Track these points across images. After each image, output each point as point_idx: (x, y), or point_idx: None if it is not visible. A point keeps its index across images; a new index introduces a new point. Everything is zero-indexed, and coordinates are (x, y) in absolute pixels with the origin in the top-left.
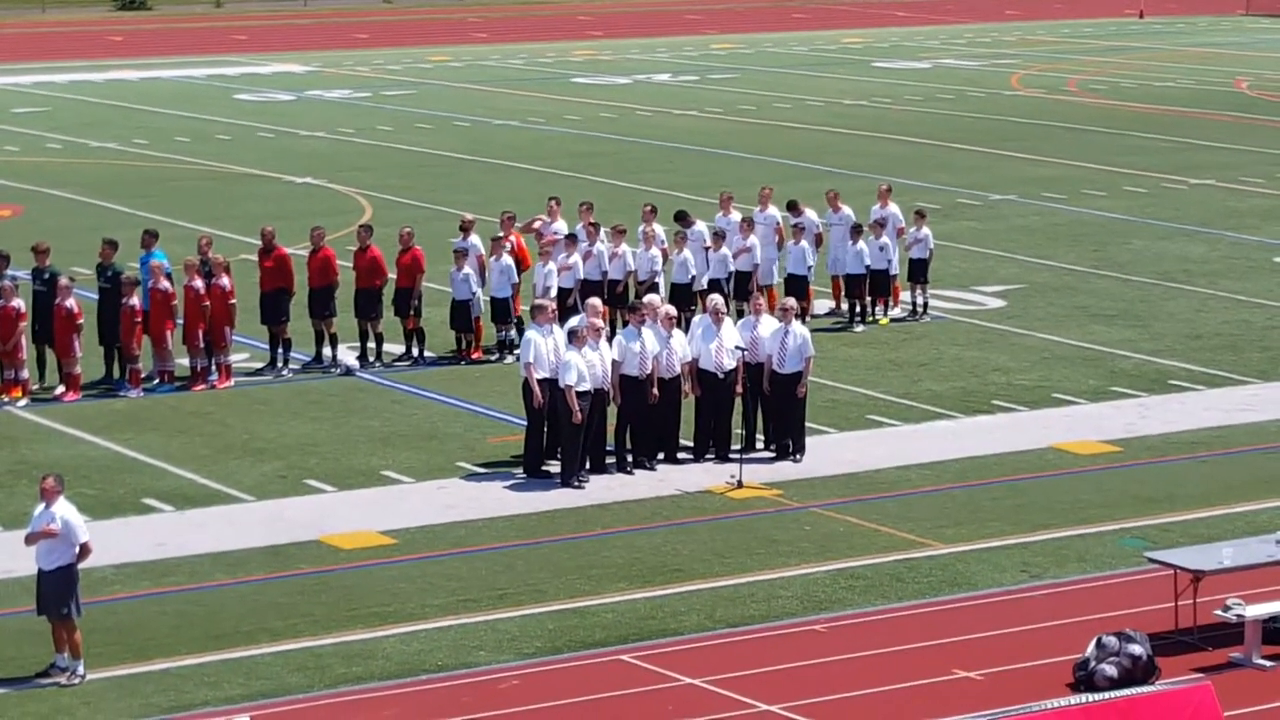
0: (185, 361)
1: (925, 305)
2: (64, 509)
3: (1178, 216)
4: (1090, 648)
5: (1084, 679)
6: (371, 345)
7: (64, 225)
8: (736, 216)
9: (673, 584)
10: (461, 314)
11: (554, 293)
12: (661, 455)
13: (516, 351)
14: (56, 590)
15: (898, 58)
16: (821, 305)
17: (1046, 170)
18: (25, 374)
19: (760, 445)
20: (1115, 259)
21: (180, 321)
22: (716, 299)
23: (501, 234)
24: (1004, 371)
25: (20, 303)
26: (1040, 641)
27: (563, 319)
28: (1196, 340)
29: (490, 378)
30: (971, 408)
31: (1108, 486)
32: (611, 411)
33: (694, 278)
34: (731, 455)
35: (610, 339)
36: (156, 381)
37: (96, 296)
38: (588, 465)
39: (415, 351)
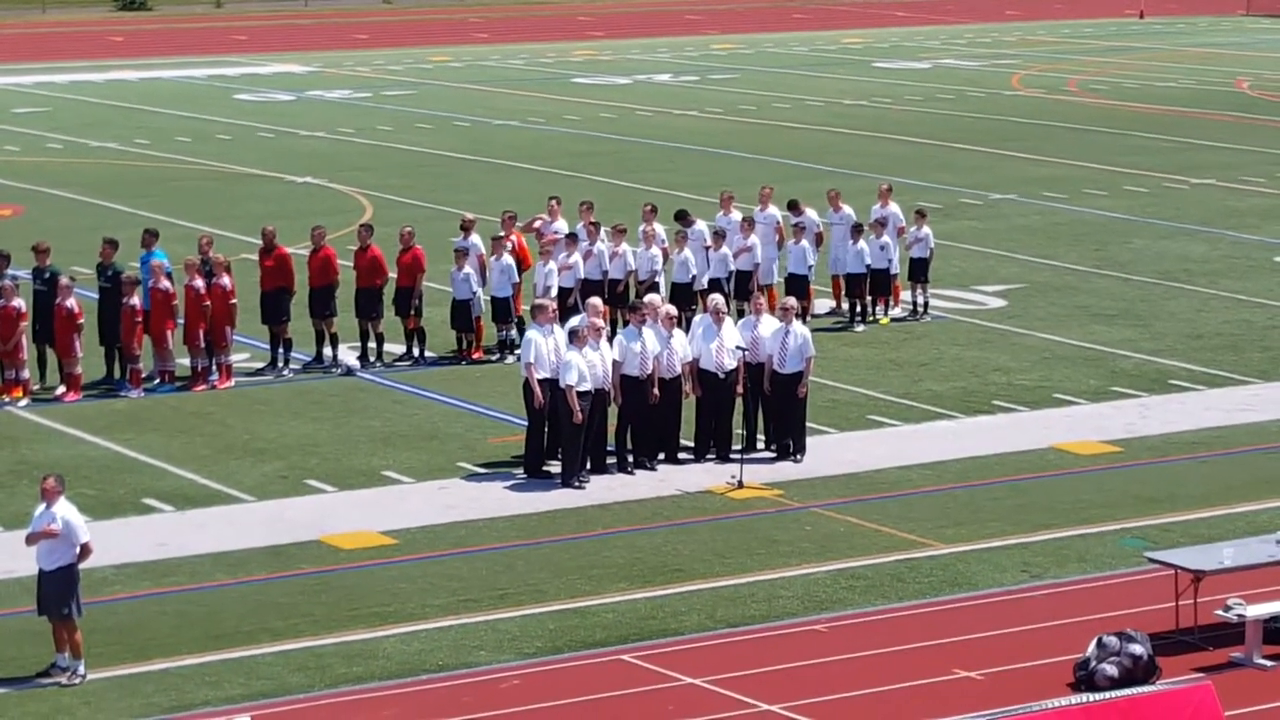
0: (186, 361)
1: (926, 305)
2: (65, 509)
3: (1179, 216)
4: (1091, 647)
5: (1085, 679)
6: (372, 345)
7: (64, 225)
8: (737, 216)
9: (673, 584)
10: (462, 314)
11: (554, 292)
12: (662, 455)
13: (517, 351)
14: (57, 590)
15: (898, 58)
16: (822, 305)
17: (1047, 170)
18: (26, 374)
19: (761, 445)
20: (1116, 259)
21: (181, 321)
22: (717, 299)
23: (502, 233)
24: (1005, 371)
25: (21, 302)
26: (1041, 641)
27: (563, 319)
28: (1197, 340)
29: (491, 378)
30: (972, 408)
31: (1108, 486)
32: (612, 411)
33: (694, 277)
34: (732, 455)
35: (611, 339)
36: (157, 381)
37: (97, 296)
38: (588, 465)
39: (416, 351)
